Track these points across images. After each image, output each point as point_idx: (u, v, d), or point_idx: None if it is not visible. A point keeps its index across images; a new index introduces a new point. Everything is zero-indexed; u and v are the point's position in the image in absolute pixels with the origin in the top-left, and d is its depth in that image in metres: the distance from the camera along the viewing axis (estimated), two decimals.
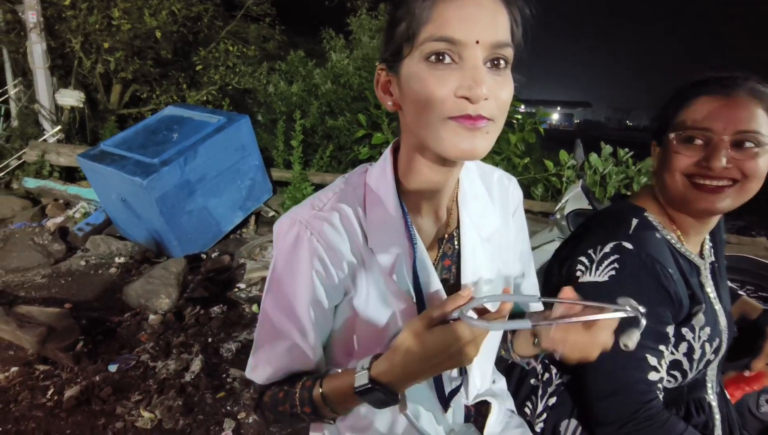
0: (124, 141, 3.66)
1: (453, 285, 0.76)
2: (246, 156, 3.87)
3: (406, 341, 0.60)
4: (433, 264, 0.73)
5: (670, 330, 0.86)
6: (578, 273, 0.91)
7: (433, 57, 0.57)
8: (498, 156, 5.02)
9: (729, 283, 1.10)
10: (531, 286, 0.88)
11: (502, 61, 0.60)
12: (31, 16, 4.91)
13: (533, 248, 1.05)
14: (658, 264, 0.85)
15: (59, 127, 5.19)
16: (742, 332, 1.12)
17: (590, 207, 1.51)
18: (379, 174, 0.71)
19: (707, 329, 0.90)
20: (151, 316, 2.85)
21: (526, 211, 4.43)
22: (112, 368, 2.36)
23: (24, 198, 4.50)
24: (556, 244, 1.18)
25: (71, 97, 5.09)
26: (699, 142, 0.83)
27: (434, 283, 0.71)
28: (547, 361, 1.03)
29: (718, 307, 0.94)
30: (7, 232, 3.70)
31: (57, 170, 4.77)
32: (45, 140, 5.11)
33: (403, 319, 0.69)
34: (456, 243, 0.75)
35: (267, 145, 5.36)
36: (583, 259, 0.91)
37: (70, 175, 4.86)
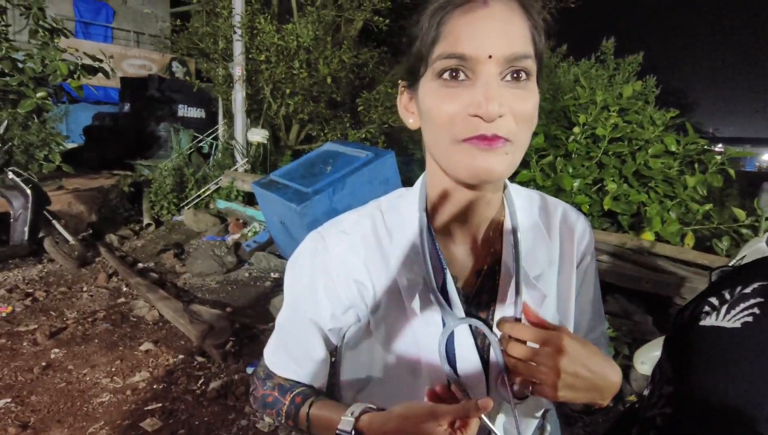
0: (288, 172, 4.21)
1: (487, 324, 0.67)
2: (389, 189, 4.04)
3: (405, 414, 0.54)
4: (469, 297, 0.66)
5: None
6: (702, 315, 0.71)
7: (446, 74, 0.54)
8: (670, 200, 4.34)
9: None
10: (594, 341, 0.72)
11: (522, 74, 0.54)
12: (238, 70, 6.10)
13: None
14: None
15: (246, 159, 6.24)
16: None
17: None
18: (411, 197, 0.69)
19: None
20: None
21: (704, 269, 3.68)
22: (249, 370, 2.66)
23: (215, 216, 5.49)
24: None
25: (259, 135, 6.10)
26: None
27: (460, 316, 0.63)
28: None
29: None
30: (198, 243, 4.53)
31: (241, 195, 5.71)
32: (236, 169, 6.19)
33: (421, 352, 0.63)
34: (497, 278, 0.67)
35: None
36: (712, 299, 0.71)
37: (251, 199, 5.76)
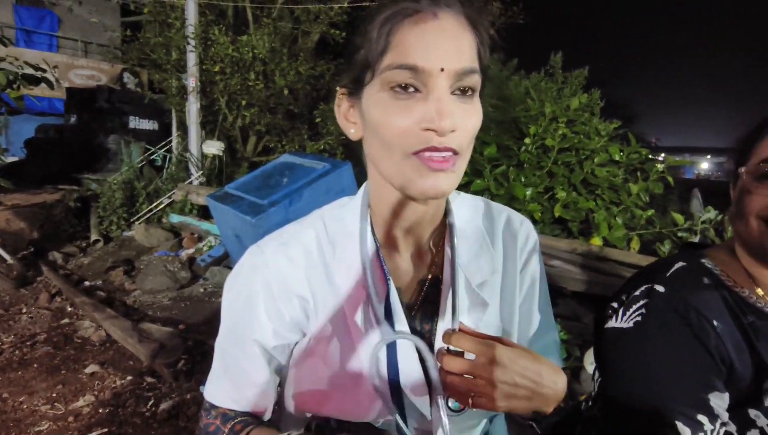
0: (243, 184, 4.13)
1: (429, 336, 0.66)
2: None
3: None
4: (414, 309, 0.67)
5: (719, 402, 0.66)
6: (606, 318, 0.77)
7: (395, 86, 0.54)
8: (616, 207, 4.56)
9: None
10: (543, 347, 0.73)
11: (469, 89, 0.55)
12: (191, 81, 5.96)
13: None
14: (695, 311, 0.68)
15: (201, 172, 6.08)
16: None
17: None
18: (353, 207, 0.67)
19: None
20: None
21: None
22: (203, 389, 2.57)
23: (169, 231, 5.30)
24: None
25: (214, 147, 5.96)
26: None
27: (402, 329, 0.63)
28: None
29: None
30: (149, 259, 4.36)
31: (196, 208, 5.55)
32: (191, 183, 6.02)
33: (364, 366, 0.62)
34: (441, 288, 0.67)
35: None
36: (614, 302, 0.78)
37: (206, 213, 5.60)
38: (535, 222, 4.57)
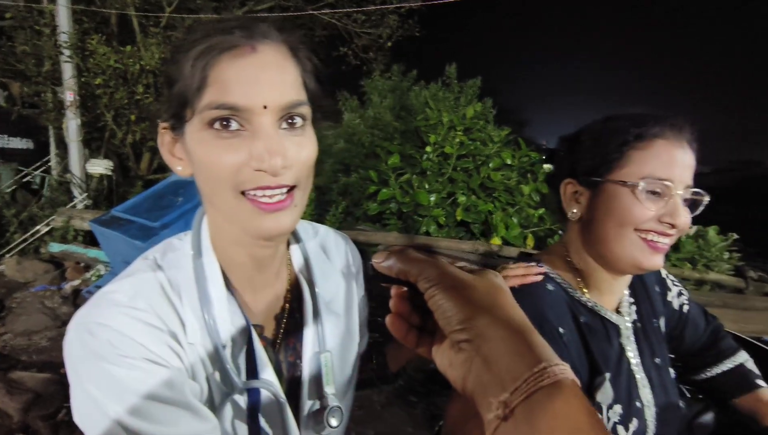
0: (133, 206, 3.81)
1: (295, 367, 0.65)
2: None
3: None
4: (277, 344, 0.64)
5: None
6: None
7: (217, 124, 0.50)
8: (512, 208, 4.89)
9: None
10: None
11: (298, 120, 0.53)
12: (69, 95, 5.40)
13: None
14: (547, 322, 0.73)
15: (86, 194, 5.52)
16: None
17: None
18: (192, 249, 0.60)
19: (617, 408, 0.73)
20: None
21: None
22: None
23: (48, 262, 4.71)
24: None
25: (100, 166, 5.44)
26: (657, 194, 0.72)
27: (266, 373, 0.59)
28: None
29: (640, 376, 0.78)
30: (19, 297, 3.84)
31: (81, 235, 5.01)
32: (74, 206, 5.43)
33: (233, 426, 0.57)
34: (297, 315, 0.66)
35: None
36: None
37: (94, 239, 5.08)
38: (440, 226, 4.75)
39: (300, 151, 0.53)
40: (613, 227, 0.73)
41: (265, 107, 0.50)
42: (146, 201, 3.83)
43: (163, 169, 6.65)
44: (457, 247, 4.22)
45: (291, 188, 0.53)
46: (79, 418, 0.51)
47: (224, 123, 0.50)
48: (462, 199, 4.74)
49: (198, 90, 0.51)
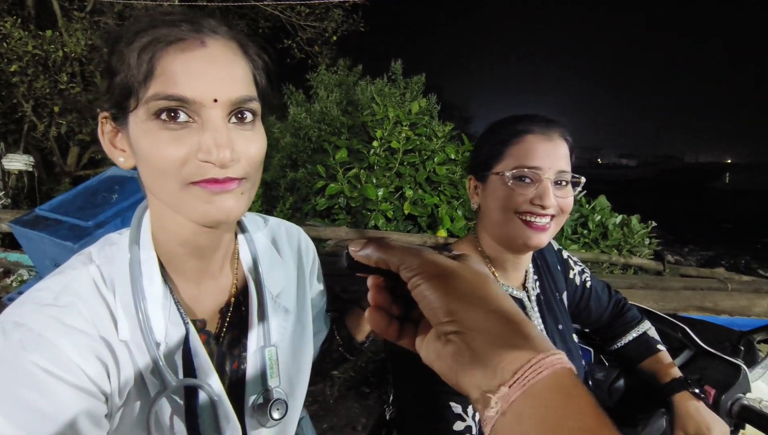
0: (61, 204, 3.53)
1: (240, 360, 0.65)
2: None
3: None
4: (219, 338, 0.64)
5: None
6: None
7: (164, 115, 0.50)
8: (456, 201, 5.05)
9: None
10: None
11: (248, 115, 0.54)
12: None
13: None
14: None
15: (4, 192, 5.06)
16: (646, 396, 1.03)
17: None
18: (129, 244, 0.60)
19: None
20: None
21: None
22: None
23: None
24: None
25: (19, 162, 5.00)
26: (528, 180, 0.84)
27: (207, 372, 0.59)
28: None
29: None
30: None
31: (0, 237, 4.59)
32: None
33: (171, 422, 0.57)
34: (243, 309, 0.66)
35: None
36: None
37: (14, 241, 4.68)
38: (388, 220, 4.82)
39: (249, 145, 0.54)
40: (499, 212, 0.86)
41: (215, 101, 0.51)
42: (77, 198, 3.56)
43: (94, 164, 6.22)
44: (407, 241, 4.30)
45: (239, 182, 0.54)
46: None
47: (172, 114, 0.50)
48: (409, 193, 4.84)
49: (144, 81, 0.50)
